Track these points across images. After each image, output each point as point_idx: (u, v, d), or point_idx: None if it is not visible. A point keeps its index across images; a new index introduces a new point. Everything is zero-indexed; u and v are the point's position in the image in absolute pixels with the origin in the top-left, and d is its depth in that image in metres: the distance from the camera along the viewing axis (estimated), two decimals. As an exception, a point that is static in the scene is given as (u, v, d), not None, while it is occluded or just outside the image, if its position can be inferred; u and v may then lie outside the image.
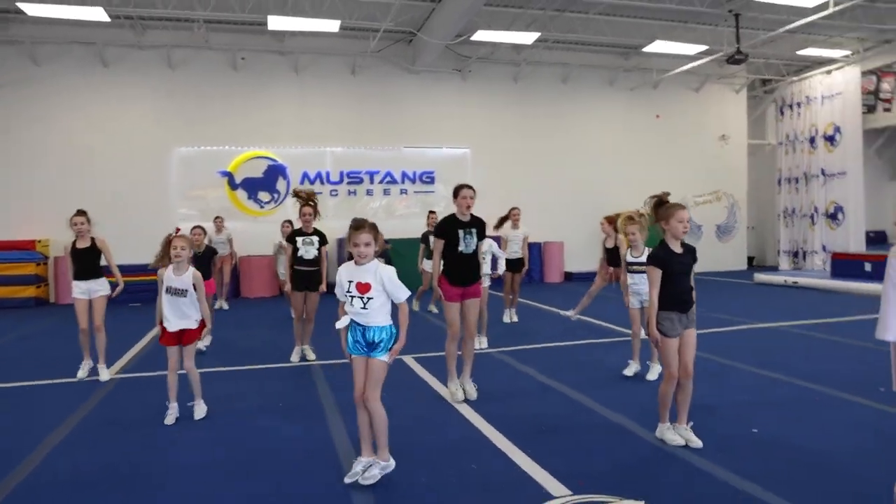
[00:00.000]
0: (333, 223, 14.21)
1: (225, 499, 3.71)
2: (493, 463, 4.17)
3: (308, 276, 7.32)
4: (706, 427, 4.75)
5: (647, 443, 4.48)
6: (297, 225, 7.58)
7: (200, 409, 5.29)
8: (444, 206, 16.04)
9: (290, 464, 4.21)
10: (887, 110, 21.92)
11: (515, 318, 9.86)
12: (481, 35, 13.90)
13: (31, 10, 11.65)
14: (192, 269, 5.26)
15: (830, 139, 17.17)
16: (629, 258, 6.40)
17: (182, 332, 5.21)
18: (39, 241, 13.36)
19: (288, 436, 4.76)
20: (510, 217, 9.50)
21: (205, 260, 8.11)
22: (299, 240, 7.32)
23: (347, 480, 3.84)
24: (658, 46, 15.06)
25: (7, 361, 7.82)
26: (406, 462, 4.17)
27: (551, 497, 3.61)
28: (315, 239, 7.39)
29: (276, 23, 12.66)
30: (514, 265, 9.38)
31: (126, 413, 5.45)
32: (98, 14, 11.92)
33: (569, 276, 16.35)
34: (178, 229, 5.92)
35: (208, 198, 14.59)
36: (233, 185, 14.73)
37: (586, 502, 3.52)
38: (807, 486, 3.71)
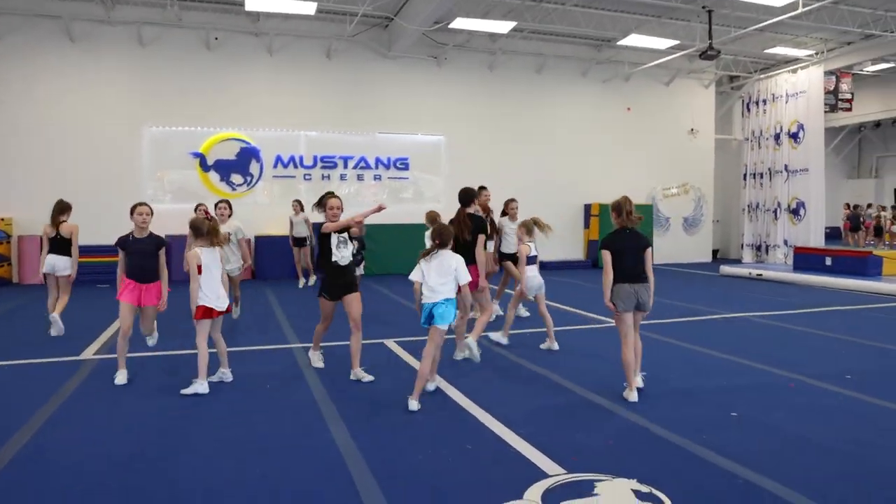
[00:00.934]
0: (306, 209, 14.15)
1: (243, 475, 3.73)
2: (487, 443, 4.27)
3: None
4: (687, 411, 4.94)
5: (629, 422, 4.63)
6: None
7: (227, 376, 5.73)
8: (413, 193, 16.10)
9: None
10: (846, 109, 22.68)
11: (501, 311, 9.07)
12: (459, 23, 13.91)
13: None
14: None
15: (794, 136, 17.66)
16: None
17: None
18: (2, 220, 12.98)
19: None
20: (507, 210, 9.07)
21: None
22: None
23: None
24: (632, 40, 15.30)
25: (-24, 342, 7.62)
26: (402, 442, 4.24)
27: (546, 476, 3.71)
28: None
29: (253, 4, 12.48)
30: (513, 259, 8.79)
31: (114, 390, 5.40)
32: (67, -13, 11.57)
33: (542, 266, 16.49)
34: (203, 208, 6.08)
35: (179, 178, 14.36)
36: (205, 167, 14.49)
37: (580, 481, 3.64)
38: (792, 465, 3.89)
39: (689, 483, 3.65)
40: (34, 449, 4.14)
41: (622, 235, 5.38)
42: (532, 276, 7.24)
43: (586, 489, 3.52)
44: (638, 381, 5.43)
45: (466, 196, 7.04)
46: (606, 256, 5.28)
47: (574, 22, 14.93)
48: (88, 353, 6.87)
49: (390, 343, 7.38)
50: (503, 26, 14.29)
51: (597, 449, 4.16)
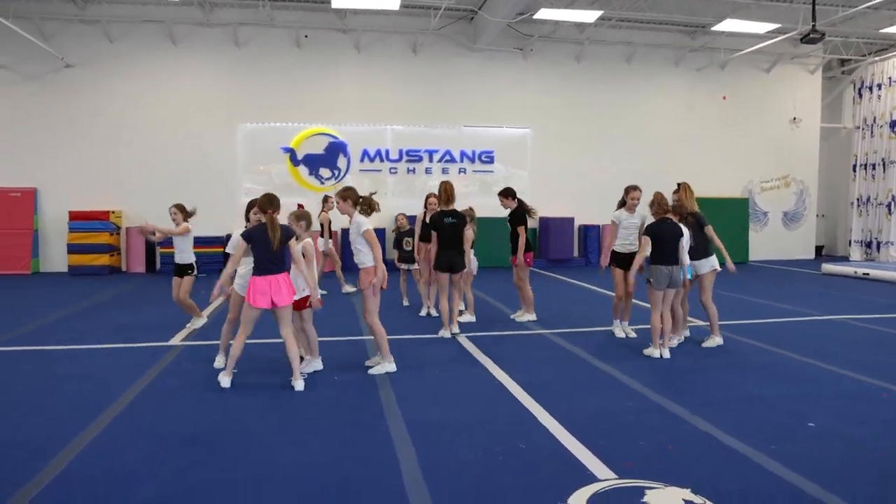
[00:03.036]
0: (393, 201, 14.42)
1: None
2: (541, 443, 4.21)
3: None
4: (760, 419, 4.68)
5: (695, 429, 4.44)
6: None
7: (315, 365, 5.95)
8: (501, 186, 16.00)
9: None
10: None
11: (633, 334, 7.55)
12: (544, 13, 13.67)
13: (108, -11, 12.10)
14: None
15: (912, 123, 16.27)
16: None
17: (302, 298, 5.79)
18: (113, 212, 13.99)
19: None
20: (626, 199, 7.43)
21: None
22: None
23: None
24: (728, 25, 14.53)
25: (89, 325, 8.26)
26: (454, 438, 4.26)
27: (597, 480, 3.63)
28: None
29: (340, 0, 12.77)
30: (623, 261, 7.35)
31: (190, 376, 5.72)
32: (169, -7, 12.28)
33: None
34: (300, 205, 6.35)
35: (271, 173, 14.97)
36: (294, 161, 15.04)
37: (631, 487, 3.53)
38: (869, 488, 3.61)
39: (749, 496, 3.46)
40: (112, 430, 4.45)
41: (661, 225, 6.50)
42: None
43: (635, 496, 3.41)
44: (673, 342, 6.84)
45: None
46: (646, 242, 6.51)
47: (665, 8, 14.37)
48: (176, 340, 7.29)
49: (462, 339, 7.41)
50: (590, 15, 13.93)
51: (655, 455, 4.01)
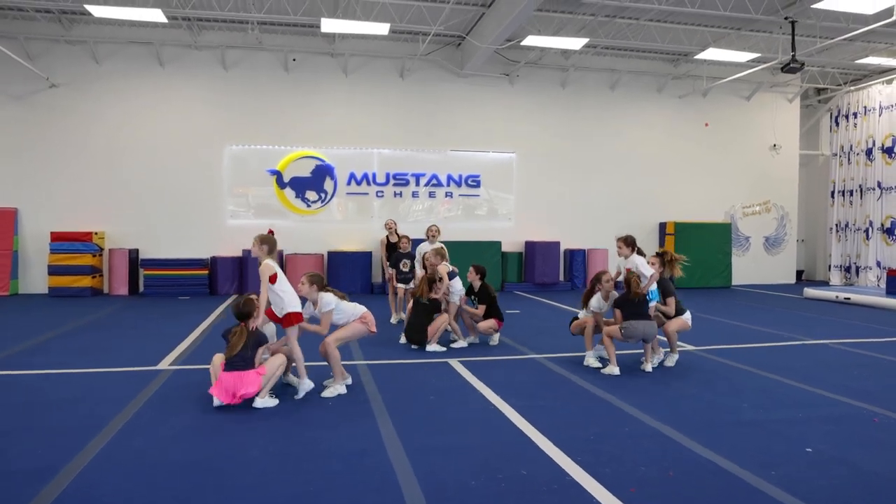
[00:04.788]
0: (379, 224, 14.43)
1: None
2: (543, 469, 4.18)
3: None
4: (758, 444, 4.69)
5: (694, 454, 4.44)
6: None
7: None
8: (487, 211, 16.10)
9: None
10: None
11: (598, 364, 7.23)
12: (530, 40, 13.88)
13: (97, 11, 12.06)
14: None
15: (889, 151, 16.67)
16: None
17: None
18: (96, 234, 13.81)
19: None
20: (597, 288, 7.32)
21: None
22: None
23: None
24: (710, 54, 14.86)
25: (74, 348, 8.10)
26: (455, 464, 4.22)
27: (601, 506, 3.61)
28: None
29: (328, 25, 12.86)
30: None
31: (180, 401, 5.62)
32: (156, 15, 12.27)
33: (614, 285, 16.17)
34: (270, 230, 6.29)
35: (257, 195, 14.92)
36: (281, 184, 14.99)
37: (637, 513, 3.51)
38: (865, 509, 3.63)
39: (755, 523, 3.46)
40: (104, 456, 4.35)
41: (627, 296, 6.91)
42: None
43: (642, 524, 3.39)
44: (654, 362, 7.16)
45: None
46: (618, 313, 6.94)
47: (649, 37, 14.65)
48: (165, 364, 7.18)
49: (454, 362, 7.38)
50: (576, 43, 14.17)
51: (657, 481, 4.00)
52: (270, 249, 5.85)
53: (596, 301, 7.29)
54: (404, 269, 9.84)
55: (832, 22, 13.20)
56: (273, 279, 5.69)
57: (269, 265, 5.73)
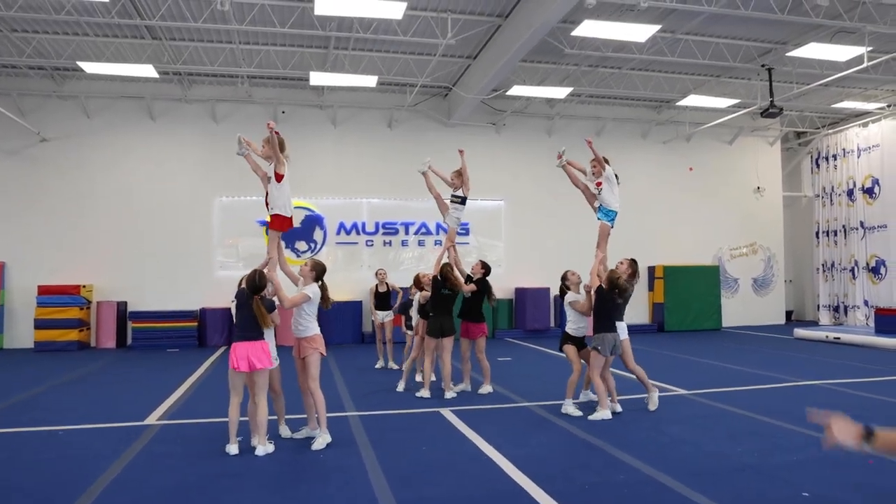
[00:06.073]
0: (369, 273, 14.42)
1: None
2: (537, 521, 4.12)
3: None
4: (754, 489, 4.65)
5: (692, 502, 4.39)
6: None
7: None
8: (476, 258, 16.14)
9: None
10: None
11: (578, 412, 7.17)
12: (516, 90, 14.19)
13: (89, 67, 12.26)
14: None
15: (869, 191, 16.98)
16: None
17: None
18: (84, 287, 13.72)
19: (329, 487, 4.76)
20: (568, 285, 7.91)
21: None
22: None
23: None
24: (692, 100, 15.24)
25: (60, 404, 7.96)
26: (448, 518, 4.15)
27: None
28: None
29: (317, 78, 13.12)
30: (576, 341, 7.47)
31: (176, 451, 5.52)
32: (148, 71, 12.49)
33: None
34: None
35: (247, 246, 14.91)
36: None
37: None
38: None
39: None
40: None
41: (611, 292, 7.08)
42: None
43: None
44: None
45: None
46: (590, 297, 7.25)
47: (631, 85, 15.01)
48: (152, 419, 7.06)
49: (446, 412, 7.31)
50: (560, 92, 14.50)
51: (654, 530, 3.95)
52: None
53: (571, 295, 7.58)
54: (412, 315, 9.84)
55: (807, 69, 13.59)
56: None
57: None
